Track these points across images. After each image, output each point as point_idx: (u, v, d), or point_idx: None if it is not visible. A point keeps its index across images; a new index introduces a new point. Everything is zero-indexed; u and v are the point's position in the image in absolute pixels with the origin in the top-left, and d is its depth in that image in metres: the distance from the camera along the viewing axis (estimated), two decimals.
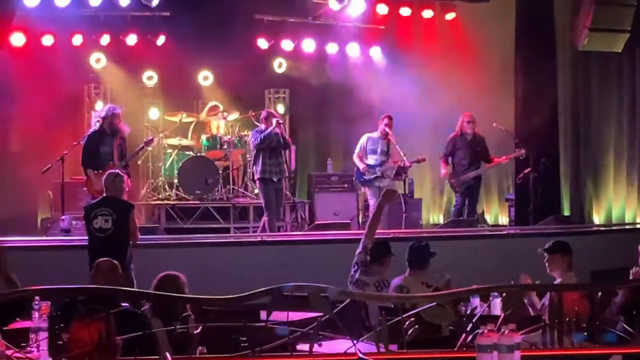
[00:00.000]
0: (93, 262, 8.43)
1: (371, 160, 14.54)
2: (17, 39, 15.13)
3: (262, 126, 14.02)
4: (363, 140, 14.67)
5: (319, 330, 5.48)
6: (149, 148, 15.49)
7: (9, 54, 14.59)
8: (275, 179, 13.91)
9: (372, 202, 14.49)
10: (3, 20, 12.87)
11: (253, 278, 10.30)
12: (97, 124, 13.07)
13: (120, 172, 11.00)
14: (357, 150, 14.70)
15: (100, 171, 12.47)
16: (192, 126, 16.87)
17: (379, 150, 14.54)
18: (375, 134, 14.61)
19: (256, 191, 15.89)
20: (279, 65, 17.89)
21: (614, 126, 16.39)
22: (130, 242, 10.28)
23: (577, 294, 6.12)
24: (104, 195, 10.49)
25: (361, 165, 14.57)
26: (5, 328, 6.77)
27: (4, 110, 14.44)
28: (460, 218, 14.94)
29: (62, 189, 13.42)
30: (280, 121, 14.19)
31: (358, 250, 9.19)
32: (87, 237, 10.47)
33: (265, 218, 13.91)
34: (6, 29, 13.29)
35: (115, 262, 7.69)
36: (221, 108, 16.81)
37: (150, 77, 17.06)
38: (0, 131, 14.32)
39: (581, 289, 6.49)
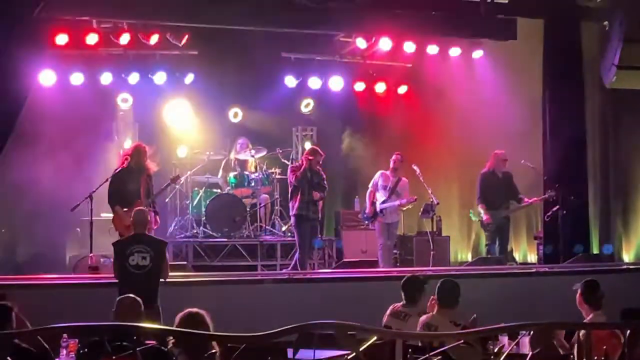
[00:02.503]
0: None
1: (379, 196, 14.60)
2: (47, 78, 15.22)
3: (298, 162, 13.94)
4: (376, 176, 14.83)
5: None
6: (176, 185, 15.52)
7: (39, 92, 14.70)
8: (311, 216, 13.89)
9: (381, 240, 14.48)
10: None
11: (280, 315, 10.27)
12: (125, 162, 13.07)
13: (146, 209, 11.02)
14: (370, 186, 14.81)
15: (127, 209, 12.47)
16: (222, 164, 16.91)
17: (388, 187, 14.56)
18: (388, 171, 14.65)
19: (283, 228, 15.93)
20: (307, 105, 17.95)
21: None
22: (161, 279, 10.29)
23: (607, 332, 6.08)
24: (135, 232, 10.48)
25: (367, 204, 14.76)
26: None
27: (33, 148, 14.53)
28: (489, 256, 14.87)
29: (91, 227, 13.39)
30: (311, 157, 13.85)
31: None
32: (117, 274, 10.35)
33: (297, 256, 13.84)
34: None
35: (137, 298, 7.73)
36: (249, 144, 16.82)
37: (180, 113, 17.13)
38: (29, 169, 14.37)
39: (610, 328, 6.44)
